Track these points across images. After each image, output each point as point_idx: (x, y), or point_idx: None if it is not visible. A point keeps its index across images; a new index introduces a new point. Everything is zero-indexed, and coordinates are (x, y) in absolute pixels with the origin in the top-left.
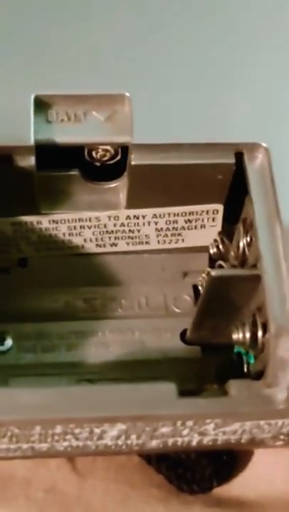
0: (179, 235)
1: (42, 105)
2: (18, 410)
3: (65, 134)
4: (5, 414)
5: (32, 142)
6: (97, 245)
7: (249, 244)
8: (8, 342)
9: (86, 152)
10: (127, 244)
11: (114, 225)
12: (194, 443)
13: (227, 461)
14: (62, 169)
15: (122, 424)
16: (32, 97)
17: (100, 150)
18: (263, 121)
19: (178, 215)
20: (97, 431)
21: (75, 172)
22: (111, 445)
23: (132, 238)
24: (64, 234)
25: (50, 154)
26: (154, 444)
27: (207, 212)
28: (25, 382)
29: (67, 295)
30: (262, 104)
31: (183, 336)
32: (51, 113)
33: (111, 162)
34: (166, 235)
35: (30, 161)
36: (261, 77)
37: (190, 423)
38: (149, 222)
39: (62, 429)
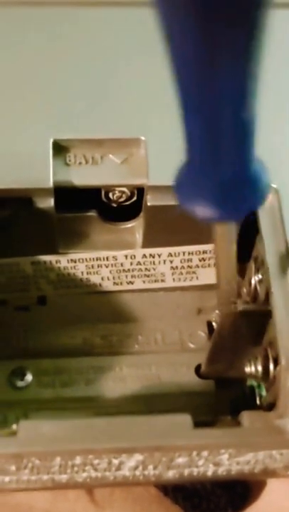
0: (194, 273)
1: (60, 149)
2: (39, 442)
3: (82, 176)
4: (26, 446)
5: (51, 185)
6: (114, 283)
7: (260, 281)
8: (28, 377)
9: (103, 194)
10: (143, 282)
11: (131, 264)
12: (209, 473)
13: (241, 491)
14: (81, 210)
15: (139, 455)
16: (51, 141)
17: (116, 192)
18: (273, 164)
19: (192, 253)
20: (115, 462)
21: (92, 213)
22: (129, 476)
23: (148, 276)
24: (82, 272)
25: (69, 196)
26: (170, 474)
27: None
28: (44, 416)
29: (85, 332)
30: (272, 149)
31: (198, 370)
32: (69, 156)
33: (127, 203)
34: (181, 273)
35: (50, 202)
36: (270, 121)
37: (205, 453)
38: (164, 261)
39: (82, 460)
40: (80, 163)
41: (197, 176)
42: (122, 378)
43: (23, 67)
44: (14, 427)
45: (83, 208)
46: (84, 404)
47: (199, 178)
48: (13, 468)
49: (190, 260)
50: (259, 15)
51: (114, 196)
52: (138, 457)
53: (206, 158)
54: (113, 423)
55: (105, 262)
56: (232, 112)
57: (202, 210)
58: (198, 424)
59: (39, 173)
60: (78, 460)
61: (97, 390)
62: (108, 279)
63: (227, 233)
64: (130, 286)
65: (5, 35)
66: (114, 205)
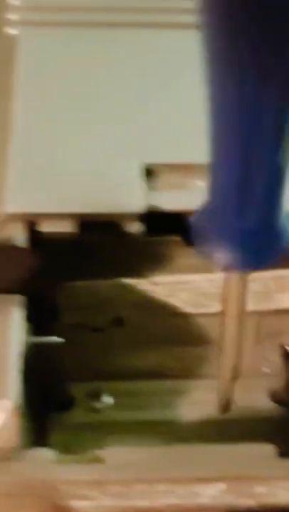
0: (271, 297)
1: (149, 174)
2: (121, 469)
3: (170, 201)
4: (108, 473)
5: (139, 210)
6: (192, 306)
7: None
8: (105, 399)
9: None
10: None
11: (210, 288)
12: None
13: None
14: (165, 234)
15: (220, 484)
16: (140, 166)
17: None
18: None
19: (270, 279)
20: (196, 489)
21: (177, 237)
22: (209, 504)
23: None
24: (162, 295)
25: (155, 220)
26: (250, 503)
27: None
28: (122, 440)
29: (161, 354)
30: None
31: (274, 395)
32: (157, 181)
33: None
34: (259, 298)
35: (136, 227)
36: None
37: (288, 484)
38: None
39: (163, 488)
40: (167, 188)
41: (220, 220)
42: (197, 402)
43: (117, 91)
44: (94, 452)
45: (168, 232)
46: (160, 428)
47: (223, 222)
48: (94, 493)
49: (268, 285)
50: None
51: None
52: (219, 486)
53: (232, 201)
54: (195, 451)
55: (185, 285)
56: (267, 151)
57: (222, 257)
58: (281, 453)
59: (127, 198)
60: (160, 487)
61: (172, 413)
62: (187, 302)
63: (238, 289)
64: (207, 310)
65: (91, 55)
66: None
